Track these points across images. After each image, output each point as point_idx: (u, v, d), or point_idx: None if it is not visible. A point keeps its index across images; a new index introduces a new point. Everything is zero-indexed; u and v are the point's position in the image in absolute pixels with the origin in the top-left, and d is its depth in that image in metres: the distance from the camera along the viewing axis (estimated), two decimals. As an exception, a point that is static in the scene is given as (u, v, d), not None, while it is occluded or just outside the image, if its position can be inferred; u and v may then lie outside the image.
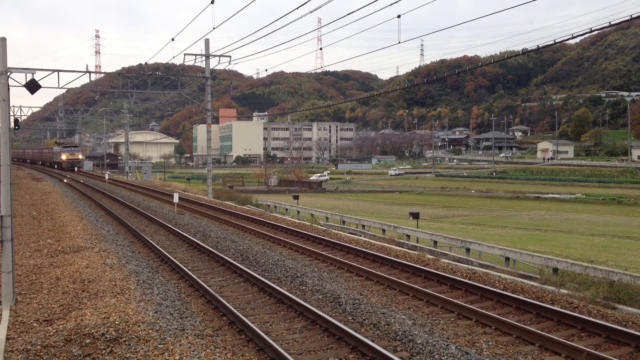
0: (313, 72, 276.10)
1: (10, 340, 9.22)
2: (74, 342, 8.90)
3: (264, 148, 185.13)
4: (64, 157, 76.81)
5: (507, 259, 22.03)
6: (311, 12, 21.49)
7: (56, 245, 18.09)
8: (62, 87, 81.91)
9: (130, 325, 9.44)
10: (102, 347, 8.68)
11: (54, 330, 9.45)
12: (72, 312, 10.52)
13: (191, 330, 9.40)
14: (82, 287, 12.36)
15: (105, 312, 10.18)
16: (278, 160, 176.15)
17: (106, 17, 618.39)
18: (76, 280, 12.99)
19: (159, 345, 8.63)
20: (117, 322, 9.57)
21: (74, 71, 35.18)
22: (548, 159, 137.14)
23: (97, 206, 30.50)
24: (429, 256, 16.29)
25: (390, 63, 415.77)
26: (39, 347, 8.76)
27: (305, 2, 19.52)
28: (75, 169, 74.14)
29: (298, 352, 8.71)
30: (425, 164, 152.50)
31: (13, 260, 11.78)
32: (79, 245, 17.53)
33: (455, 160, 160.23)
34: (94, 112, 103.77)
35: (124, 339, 8.93)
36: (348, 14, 20.29)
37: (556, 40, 17.64)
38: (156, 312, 10.28)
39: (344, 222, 36.93)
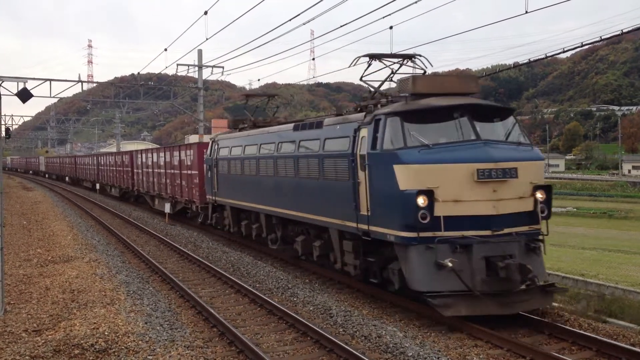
0: (305, 83, 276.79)
1: (-2, 351, 9.13)
2: (62, 352, 8.81)
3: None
4: None
5: (499, 271, 22.01)
6: (304, 24, 21.65)
7: (46, 255, 17.94)
8: (54, 97, 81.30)
9: (120, 336, 9.36)
10: (91, 358, 8.60)
11: (43, 341, 9.35)
12: (62, 323, 10.41)
13: (181, 342, 9.34)
14: (71, 297, 12.25)
15: (94, 323, 10.08)
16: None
17: (99, 27, 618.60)
18: (66, 291, 12.88)
19: (149, 357, 8.56)
20: (106, 333, 9.48)
21: (66, 80, 35.22)
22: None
23: (88, 216, 30.33)
24: (421, 268, 16.23)
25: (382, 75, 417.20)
26: (27, 357, 8.66)
27: (299, 14, 19.64)
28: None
29: (289, 364, 8.68)
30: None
31: (2, 269, 11.68)
32: (69, 255, 17.39)
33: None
34: (86, 122, 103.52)
35: (114, 350, 8.85)
36: (341, 26, 20.44)
37: (547, 54, 17.88)
38: (146, 323, 10.21)
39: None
